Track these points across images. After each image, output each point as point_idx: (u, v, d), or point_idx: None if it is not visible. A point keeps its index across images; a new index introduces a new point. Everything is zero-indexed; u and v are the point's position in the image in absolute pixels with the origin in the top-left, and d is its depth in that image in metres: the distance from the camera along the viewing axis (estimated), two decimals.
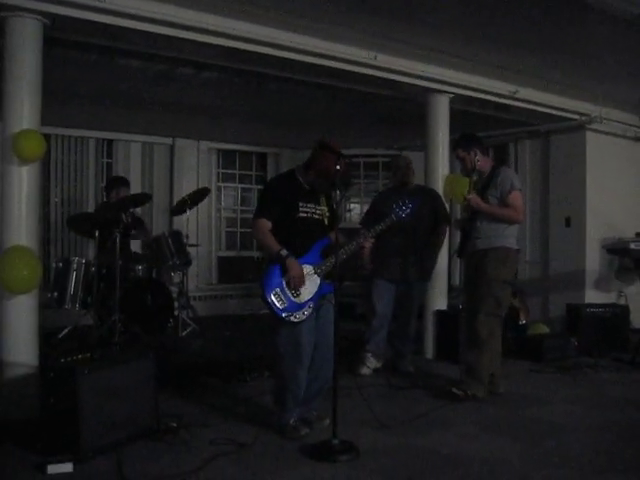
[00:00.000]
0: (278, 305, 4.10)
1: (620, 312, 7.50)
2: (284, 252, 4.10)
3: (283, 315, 4.11)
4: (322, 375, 4.31)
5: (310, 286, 4.19)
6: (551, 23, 5.48)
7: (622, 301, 8.09)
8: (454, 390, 5.13)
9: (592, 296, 8.15)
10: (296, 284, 4.11)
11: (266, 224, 4.21)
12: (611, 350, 7.01)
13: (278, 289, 4.12)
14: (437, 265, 6.65)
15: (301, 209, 4.27)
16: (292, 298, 4.13)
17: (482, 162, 5.27)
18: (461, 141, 5.38)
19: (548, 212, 8.70)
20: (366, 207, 7.12)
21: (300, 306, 4.15)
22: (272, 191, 4.41)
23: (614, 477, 3.61)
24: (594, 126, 8.14)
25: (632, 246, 7.19)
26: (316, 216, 4.35)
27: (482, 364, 5.12)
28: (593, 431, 4.48)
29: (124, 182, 7.42)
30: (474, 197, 5.16)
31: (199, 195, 7.86)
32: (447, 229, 6.44)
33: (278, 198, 4.26)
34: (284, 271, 4.12)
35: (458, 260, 7.29)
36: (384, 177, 10.64)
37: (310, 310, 4.18)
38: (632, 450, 4.05)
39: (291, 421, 4.27)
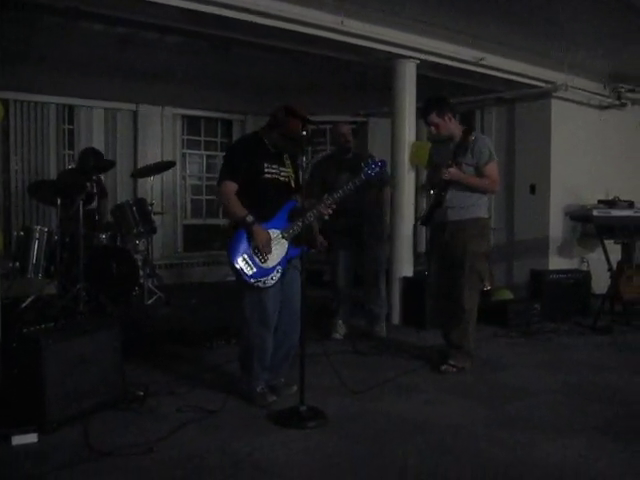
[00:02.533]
0: (246, 271, 4.07)
1: (582, 278, 7.64)
2: (250, 218, 4.05)
3: (252, 281, 4.08)
4: (288, 340, 4.32)
5: (278, 251, 4.16)
6: None
7: (584, 267, 8.24)
8: (445, 368, 5.12)
9: (556, 262, 8.28)
10: (263, 251, 4.08)
11: (232, 187, 4.14)
12: (573, 315, 7.16)
13: (246, 255, 4.08)
14: (402, 231, 6.83)
15: (266, 170, 4.21)
16: (260, 263, 4.10)
17: (454, 127, 5.14)
18: (434, 105, 5.13)
19: (513, 179, 8.75)
20: None
21: (268, 271, 4.12)
22: (236, 152, 4.35)
23: (576, 438, 3.68)
24: (559, 94, 8.17)
25: (595, 213, 7.26)
26: (282, 178, 4.29)
27: (468, 338, 5.15)
28: (556, 394, 4.57)
29: (98, 154, 7.22)
30: (454, 170, 4.96)
31: (163, 166, 7.80)
32: (389, 191, 6.51)
33: (242, 159, 4.19)
34: (250, 238, 4.08)
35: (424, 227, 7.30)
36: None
37: (278, 275, 4.16)
38: (593, 412, 4.15)
39: (258, 388, 4.27)
